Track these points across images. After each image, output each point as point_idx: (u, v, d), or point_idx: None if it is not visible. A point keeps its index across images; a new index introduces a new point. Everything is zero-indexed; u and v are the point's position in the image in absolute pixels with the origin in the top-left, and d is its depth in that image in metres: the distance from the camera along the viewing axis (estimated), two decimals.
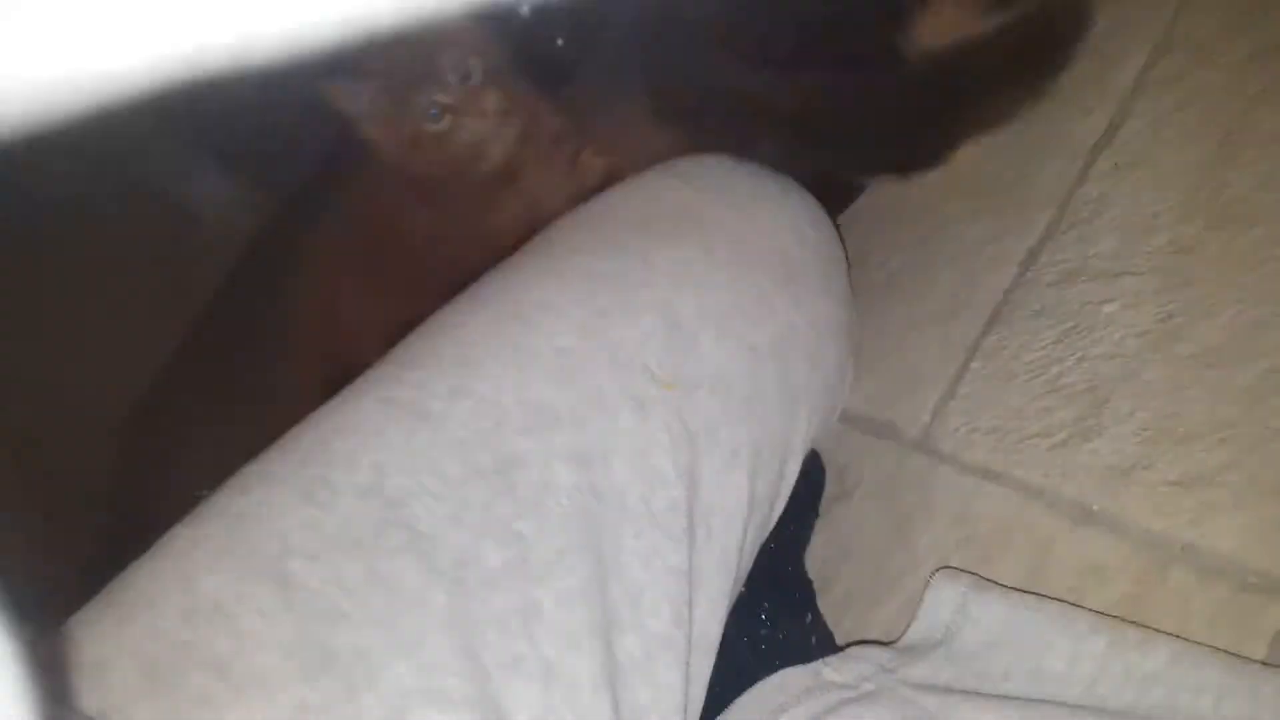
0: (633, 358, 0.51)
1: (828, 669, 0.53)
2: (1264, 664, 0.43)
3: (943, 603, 0.55)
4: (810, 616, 0.62)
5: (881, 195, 0.81)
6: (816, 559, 0.68)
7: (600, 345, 0.50)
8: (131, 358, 0.79)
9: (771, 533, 0.59)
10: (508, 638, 0.42)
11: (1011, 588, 0.55)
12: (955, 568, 0.58)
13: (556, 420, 0.47)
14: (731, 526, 0.52)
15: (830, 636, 0.61)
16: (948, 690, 0.50)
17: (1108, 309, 0.60)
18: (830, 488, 0.71)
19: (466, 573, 0.42)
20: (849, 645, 0.57)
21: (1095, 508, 0.54)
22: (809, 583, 0.65)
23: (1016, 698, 0.48)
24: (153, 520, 0.45)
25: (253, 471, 0.46)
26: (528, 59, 0.77)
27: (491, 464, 0.45)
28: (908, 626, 0.55)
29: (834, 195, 0.74)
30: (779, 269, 0.59)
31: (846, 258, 0.68)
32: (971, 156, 0.78)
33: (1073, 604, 0.52)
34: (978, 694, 0.49)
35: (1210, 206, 0.58)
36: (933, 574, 0.57)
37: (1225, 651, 0.45)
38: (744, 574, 0.56)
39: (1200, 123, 0.62)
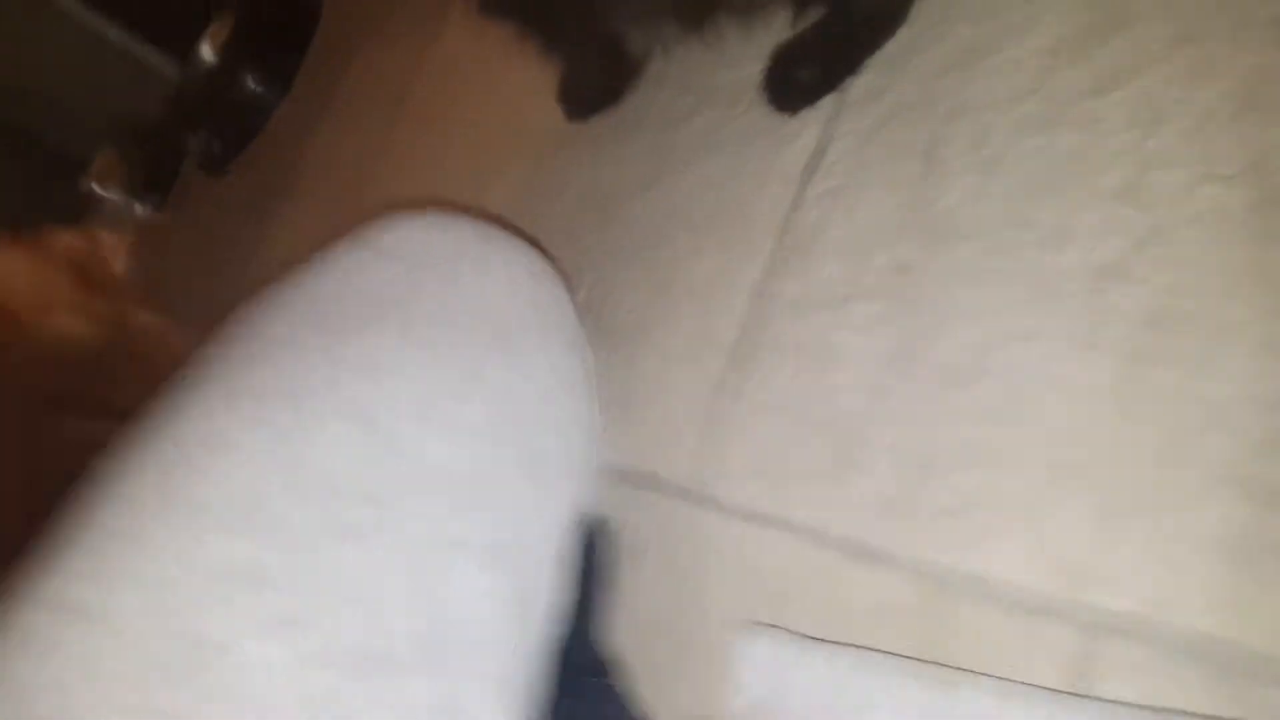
0: (323, 478, 0.45)
1: None
2: (1059, 691, 0.44)
3: (752, 661, 0.53)
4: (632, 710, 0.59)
5: (611, 231, 0.78)
6: (613, 631, 0.65)
7: (280, 475, 0.44)
8: None
9: (566, 618, 0.55)
10: None
11: (811, 637, 0.54)
12: (757, 622, 0.56)
13: (250, 581, 0.41)
14: (493, 633, 0.47)
15: None
16: None
17: (841, 337, 0.60)
18: (614, 553, 0.68)
19: None
20: None
21: (872, 544, 0.54)
22: (614, 664, 0.62)
23: None
24: None
25: None
26: None
27: (181, 653, 0.39)
28: (730, 697, 0.53)
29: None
30: (488, 333, 0.54)
31: (571, 300, 0.65)
32: (688, 186, 0.77)
33: (879, 650, 0.51)
34: None
35: (923, 223, 0.59)
36: (737, 633, 0.55)
37: (1023, 683, 0.45)
38: (535, 676, 0.52)
39: (903, 139, 0.63)
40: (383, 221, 0.60)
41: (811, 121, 0.70)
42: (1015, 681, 0.45)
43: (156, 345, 0.82)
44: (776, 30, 0.73)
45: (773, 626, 0.55)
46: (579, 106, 0.90)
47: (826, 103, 0.70)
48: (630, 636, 0.64)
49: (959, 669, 0.47)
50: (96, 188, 1.67)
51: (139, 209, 1.72)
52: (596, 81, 0.88)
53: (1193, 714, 0.41)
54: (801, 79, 0.71)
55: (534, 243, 0.68)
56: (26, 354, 0.71)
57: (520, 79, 1.06)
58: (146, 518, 0.43)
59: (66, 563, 0.42)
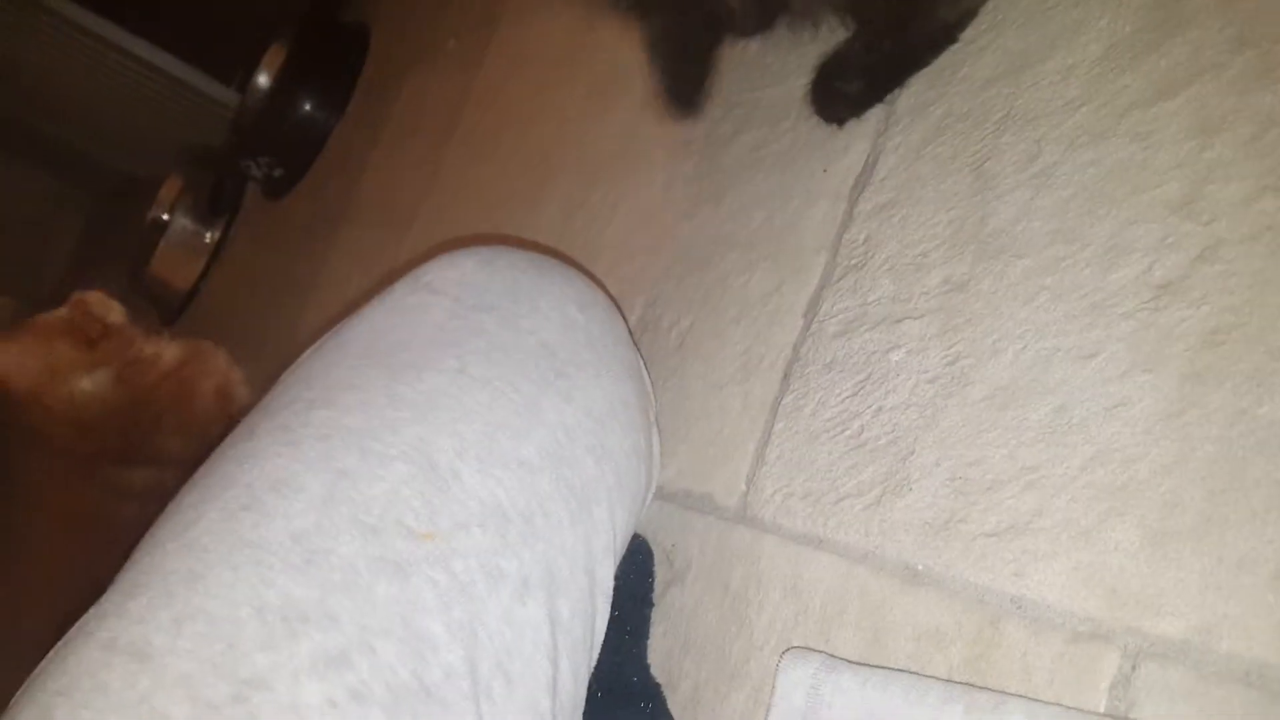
0: (384, 518, 0.46)
1: None
2: (1109, 716, 0.43)
3: (795, 686, 0.53)
4: None
5: (663, 251, 0.78)
6: (659, 653, 0.65)
7: (344, 515, 0.45)
8: None
9: (609, 642, 0.55)
10: None
11: (856, 662, 0.53)
12: (801, 647, 0.56)
13: (303, 622, 0.42)
14: (535, 665, 0.47)
15: None
16: None
17: (895, 357, 0.59)
18: (661, 573, 0.68)
19: None
20: None
21: (920, 567, 0.53)
22: (657, 688, 0.62)
23: None
24: None
25: None
26: None
27: (227, 693, 0.39)
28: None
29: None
30: (545, 367, 0.55)
31: (627, 325, 0.66)
32: (738, 204, 0.76)
33: (919, 673, 0.50)
34: None
35: (976, 239, 0.58)
36: (780, 656, 0.55)
37: (1072, 708, 0.44)
38: (577, 702, 0.52)
39: (952, 152, 0.62)
40: (437, 260, 0.61)
41: (860, 135, 0.69)
42: (1059, 706, 0.44)
43: (180, 371, 0.84)
44: (821, 41, 0.72)
45: (814, 650, 0.55)
46: (682, 95, 0.83)
47: (874, 116, 0.69)
48: (676, 659, 0.64)
49: (1002, 693, 0.46)
50: (163, 214, 1.72)
51: (204, 234, 1.76)
52: (691, 47, 0.81)
53: None
54: (847, 91, 0.70)
55: (585, 268, 0.69)
56: (56, 424, 0.74)
57: (567, 103, 1.06)
58: (212, 560, 0.44)
59: (127, 605, 0.43)
